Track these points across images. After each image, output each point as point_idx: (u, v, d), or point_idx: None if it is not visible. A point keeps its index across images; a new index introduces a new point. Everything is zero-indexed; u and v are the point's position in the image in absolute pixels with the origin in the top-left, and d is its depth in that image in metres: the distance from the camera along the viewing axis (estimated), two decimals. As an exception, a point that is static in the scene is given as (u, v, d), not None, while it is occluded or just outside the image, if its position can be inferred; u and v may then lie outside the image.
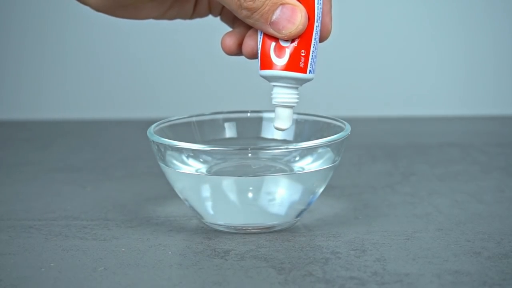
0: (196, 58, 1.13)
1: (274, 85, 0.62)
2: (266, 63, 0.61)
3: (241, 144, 0.71)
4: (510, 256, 0.59)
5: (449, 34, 1.13)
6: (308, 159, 0.65)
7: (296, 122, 0.71)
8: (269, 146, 0.64)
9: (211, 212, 0.63)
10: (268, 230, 0.64)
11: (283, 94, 0.62)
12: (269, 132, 0.71)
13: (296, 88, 0.62)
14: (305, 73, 0.61)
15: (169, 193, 0.72)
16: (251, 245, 0.61)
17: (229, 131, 0.72)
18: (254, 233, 0.64)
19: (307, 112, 0.71)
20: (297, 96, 0.63)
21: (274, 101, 0.63)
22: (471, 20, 1.12)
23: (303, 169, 0.65)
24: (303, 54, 0.61)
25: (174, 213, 0.69)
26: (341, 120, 0.68)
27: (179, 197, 0.66)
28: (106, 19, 1.11)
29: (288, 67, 0.61)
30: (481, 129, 1.05)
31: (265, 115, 0.72)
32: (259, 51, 0.62)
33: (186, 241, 0.63)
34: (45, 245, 0.62)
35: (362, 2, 1.12)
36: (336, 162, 0.64)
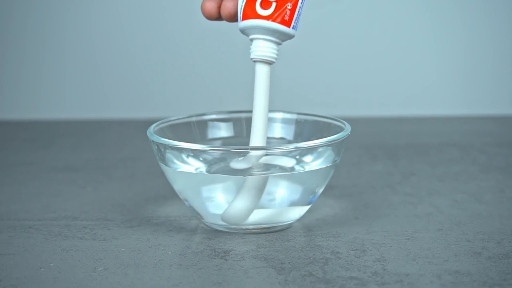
0: (196, 59, 1.13)
1: (254, 38, 0.62)
2: (249, 14, 0.60)
3: (241, 143, 0.71)
4: (511, 256, 0.59)
5: (449, 34, 1.13)
6: (308, 159, 0.65)
7: (296, 122, 0.71)
8: (269, 146, 0.64)
9: (211, 212, 0.63)
10: (268, 230, 0.64)
11: (263, 48, 0.61)
12: (269, 132, 0.71)
13: (277, 44, 0.62)
14: (289, 27, 0.61)
15: (169, 193, 0.72)
16: (251, 245, 0.61)
17: (229, 131, 0.72)
18: (254, 233, 0.64)
19: (307, 112, 0.71)
20: (277, 53, 0.62)
21: (253, 55, 0.62)
22: (471, 20, 1.12)
23: (303, 169, 0.65)
24: (289, 8, 0.60)
25: (174, 213, 0.69)
26: (341, 120, 0.68)
27: (179, 197, 0.66)
28: (107, 19, 1.11)
29: (273, 17, 0.60)
30: (481, 129, 1.05)
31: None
32: (243, 4, 0.61)
33: (186, 241, 0.63)
34: (45, 245, 0.62)
35: (363, 2, 1.12)
36: (336, 162, 0.64)
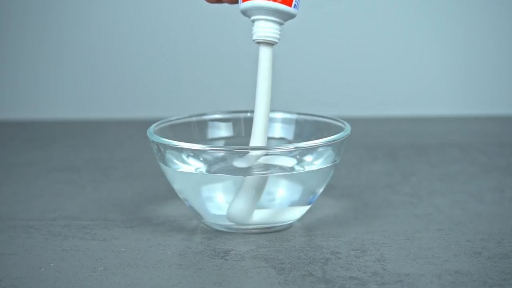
0: (196, 59, 1.13)
1: (256, 19, 0.61)
2: None
3: (241, 143, 0.71)
4: (510, 256, 0.59)
5: (449, 34, 1.13)
6: (308, 159, 0.65)
7: (296, 122, 0.71)
8: (269, 146, 0.64)
9: (211, 212, 0.63)
10: (268, 230, 0.64)
11: (265, 28, 0.61)
12: (270, 132, 0.71)
13: (279, 24, 0.61)
14: (290, 6, 0.60)
15: (169, 193, 0.72)
16: (251, 245, 0.61)
17: (229, 131, 0.72)
18: (254, 233, 0.64)
19: (307, 112, 0.71)
20: (279, 33, 0.62)
21: (255, 36, 0.61)
22: (471, 20, 1.12)
23: (303, 169, 0.65)
24: None
25: (174, 213, 0.69)
26: (341, 120, 0.68)
27: (179, 197, 0.66)
28: (106, 19, 1.11)
29: None
30: (481, 129, 1.05)
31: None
32: None
33: (186, 241, 0.63)
34: (45, 245, 0.62)
35: (363, 2, 1.12)
36: (336, 162, 0.64)
